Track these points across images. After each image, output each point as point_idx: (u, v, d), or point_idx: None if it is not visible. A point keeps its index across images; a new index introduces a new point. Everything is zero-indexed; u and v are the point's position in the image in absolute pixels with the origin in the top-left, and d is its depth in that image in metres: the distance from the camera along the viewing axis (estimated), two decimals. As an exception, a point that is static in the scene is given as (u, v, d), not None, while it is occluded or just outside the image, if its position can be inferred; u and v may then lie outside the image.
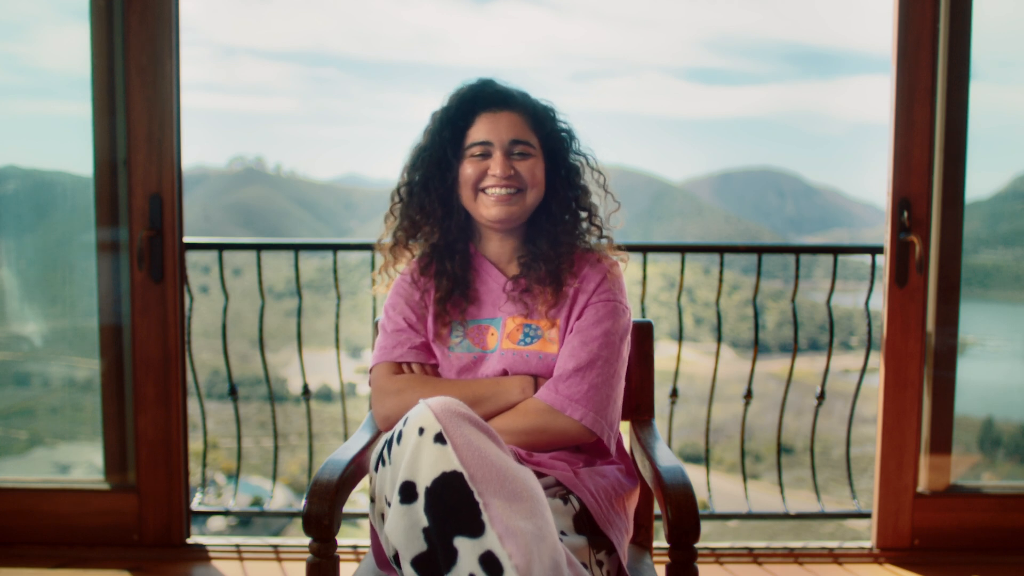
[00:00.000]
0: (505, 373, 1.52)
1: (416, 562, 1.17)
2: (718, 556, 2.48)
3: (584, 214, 1.60)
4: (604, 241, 1.62)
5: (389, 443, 1.25)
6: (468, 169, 1.52)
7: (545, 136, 1.55)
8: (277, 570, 2.38)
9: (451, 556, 1.14)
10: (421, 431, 1.20)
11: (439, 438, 1.19)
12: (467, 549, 1.12)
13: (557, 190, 1.57)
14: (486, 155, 1.51)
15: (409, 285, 1.61)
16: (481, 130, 1.51)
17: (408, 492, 1.18)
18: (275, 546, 2.48)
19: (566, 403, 1.45)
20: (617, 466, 1.56)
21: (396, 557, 1.27)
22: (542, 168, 1.54)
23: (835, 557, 2.47)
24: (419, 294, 1.60)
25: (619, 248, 1.64)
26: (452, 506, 1.15)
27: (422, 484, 1.18)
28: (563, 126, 1.59)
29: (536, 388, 1.49)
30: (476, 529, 1.14)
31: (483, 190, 1.52)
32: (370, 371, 1.60)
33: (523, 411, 1.46)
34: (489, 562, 1.12)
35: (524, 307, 1.54)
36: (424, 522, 1.16)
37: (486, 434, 1.23)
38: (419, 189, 1.56)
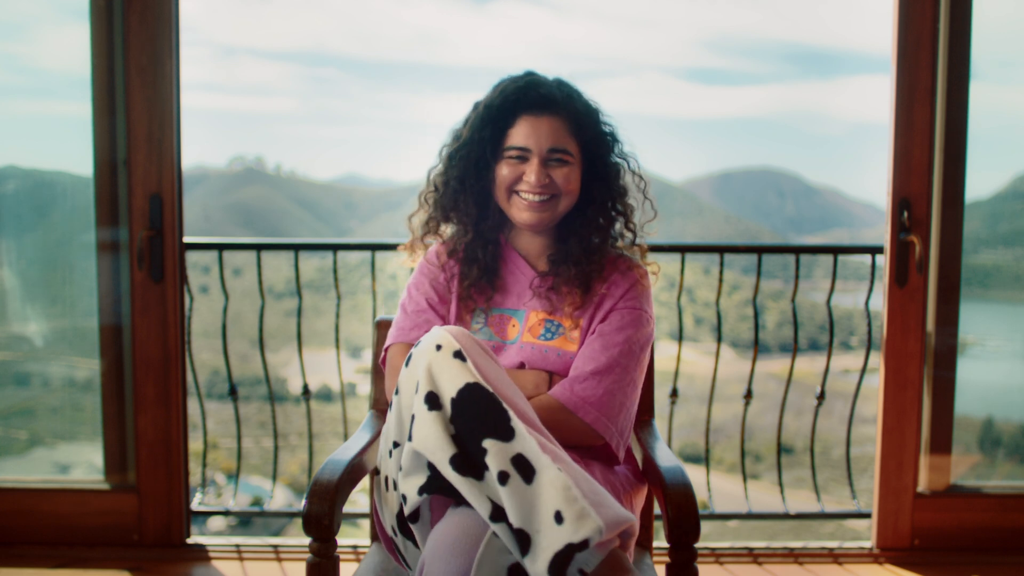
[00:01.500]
0: (522, 366, 1.52)
1: (453, 462, 1.16)
2: (718, 556, 2.47)
3: (619, 218, 1.60)
4: (636, 247, 1.62)
5: (396, 389, 1.27)
6: (504, 170, 1.51)
7: (586, 141, 1.54)
8: (277, 570, 2.38)
9: (480, 455, 1.14)
10: (439, 347, 1.22)
11: (458, 355, 1.21)
12: (497, 450, 1.13)
13: (593, 193, 1.56)
14: (523, 159, 1.50)
15: (436, 267, 1.61)
16: (521, 134, 1.49)
17: (433, 401, 1.19)
18: (275, 546, 2.48)
19: (580, 404, 1.45)
20: (626, 465, 1.56)
21: (398, 522, 1.27)
22: (578, 175, 1.53)
23: (835, 557, 2.47)
24: (444, 276, 1.60)
25: (651, 248, 1.64)
26: (480, 412, 1.17)
27: (447, 395, 1.19)
28: (606, 129, 1.57)
29: (550, 385, 1.49)
30: (506, 434, 1.15)
31: (517, 192, 1.52)
32: (385, 350, 1.59)
33: (535, 406, 1.45)
34: (521, 463, 1.13)
35: (549, 304, 1.55)
36: (452, 430, 1.17)
37: (502, 370, 1.26)
38: (455, 183, 1.56)
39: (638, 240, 1.62)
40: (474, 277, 1.56)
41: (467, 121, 1.56)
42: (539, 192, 1.50)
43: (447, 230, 1.64)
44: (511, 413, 1.17)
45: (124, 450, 2.50)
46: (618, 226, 1.61)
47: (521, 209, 1.52)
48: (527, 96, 1.50)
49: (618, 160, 1.58)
